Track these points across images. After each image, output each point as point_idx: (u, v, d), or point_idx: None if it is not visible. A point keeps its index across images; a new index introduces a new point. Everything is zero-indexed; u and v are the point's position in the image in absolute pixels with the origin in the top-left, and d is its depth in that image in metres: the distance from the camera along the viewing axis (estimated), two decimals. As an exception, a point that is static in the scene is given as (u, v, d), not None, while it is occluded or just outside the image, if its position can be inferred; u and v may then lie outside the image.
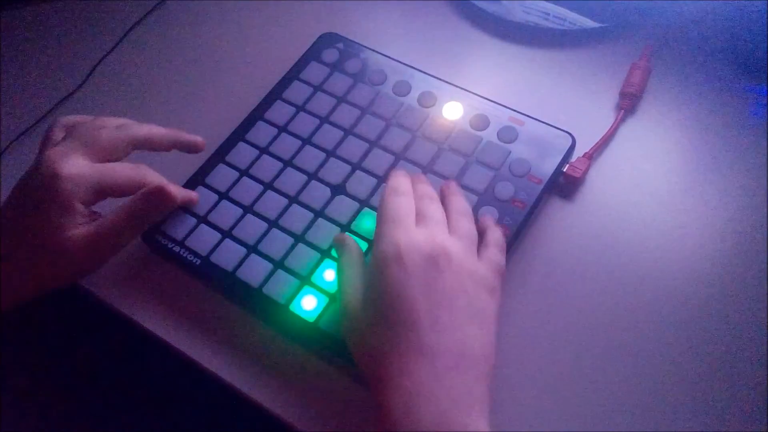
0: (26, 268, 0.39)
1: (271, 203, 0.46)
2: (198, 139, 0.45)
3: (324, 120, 0.49)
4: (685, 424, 0.38)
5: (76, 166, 0.39)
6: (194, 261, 0.44)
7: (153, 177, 0.42)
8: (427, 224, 0.37)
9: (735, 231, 0.44)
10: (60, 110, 0.55)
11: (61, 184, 0.38)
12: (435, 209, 0.38)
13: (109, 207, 0.41)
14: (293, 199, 0.46)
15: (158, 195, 0.41)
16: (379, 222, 0.37)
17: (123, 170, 0.40)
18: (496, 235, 0.40)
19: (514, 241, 0.43)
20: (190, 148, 0.45)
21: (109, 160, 0.41)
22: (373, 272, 0.35)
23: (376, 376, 0.33)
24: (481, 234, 0.40)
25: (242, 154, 0.48)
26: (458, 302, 0.34)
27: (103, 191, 0.40)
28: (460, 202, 0.40)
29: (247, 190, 0.46)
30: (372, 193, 0.45)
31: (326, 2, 0.58)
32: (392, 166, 0.46)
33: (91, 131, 0.41)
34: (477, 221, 0.41)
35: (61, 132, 0.42)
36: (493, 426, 0.38)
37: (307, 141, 0.48)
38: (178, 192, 0.43)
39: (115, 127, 0.42)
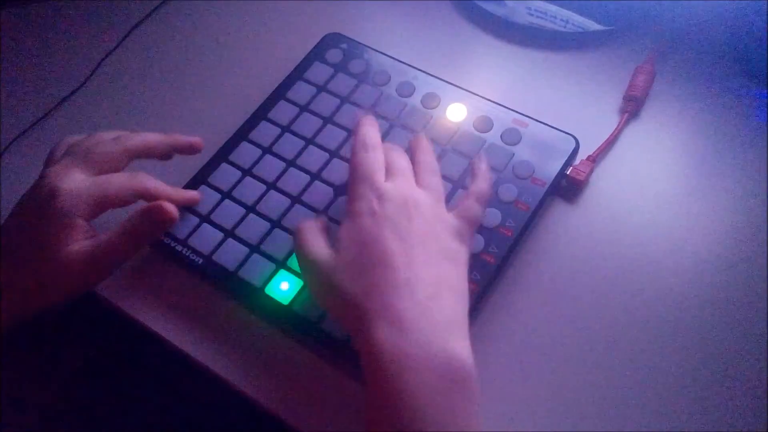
0: (27, 284, 0.39)
1: (274, 203, 0.45)
2: (195, 139, 0.45)
3: (327, 120, 0.49)
4: (686, 424, 0.38)
5: (74, 181, 0.39)
6: (196, 260, 0.44)
7: (150, 183, 0.42)
8: (396, 177, 0.38)
9: (738, 234, 0.44)
10: (62, 109, 0.55)
11: (61, 199, 0.38)
12: (402, 162, 0.40)
13: (114, 217, 0.41)
14: (296, 199, 0.46)
15: (156, 213, 0.40)
16: (351, 180, 0.38)
17: (120, 180, 0.41)
18: (478, 186, 0.40)
19: (516, 244, 0.43)
20: (188, 150, 0.45)
21: (107, 173, 0.41)
22: (348, 226, 0.37)
23: (356, 316, 0.34)
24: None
25: (245, 153, 0.48)
26: (429, 243, 0.36)
27: (102, 203, 0.40)
28: (427, 156, 0.41)
29: (250, 190, 0.46)
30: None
31: (330, 3, 0.58)
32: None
33: (88, 147, 0.41)
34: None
35: (62, 151, 0.42)
36: (493, 426, 0.38)
37: (310, 141, 0.48)
38: (179, 198, 0.44)
39: (112, 140, 0.42)
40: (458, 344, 0.33)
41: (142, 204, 0.41)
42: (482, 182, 0.41)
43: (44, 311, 0.40)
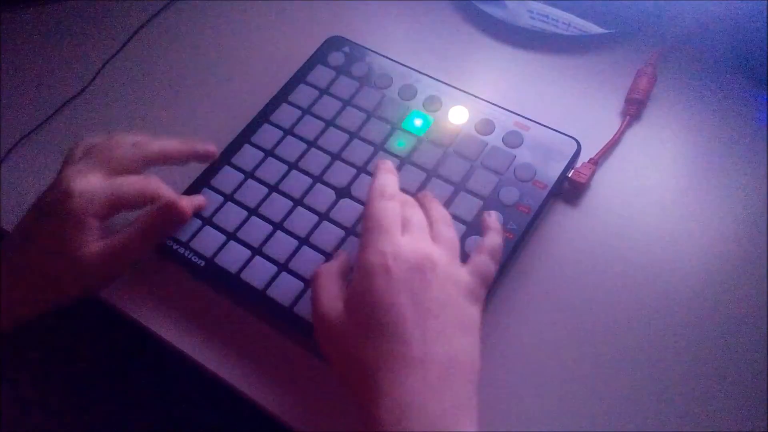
0: (41, 282, 0.39)
1: (276, 206, 0.46)
2: (211, 147, 0.46)
3: (330, 123, 0.49)
4: (686, 424, 0.38)
5: (89, 182, 0.40)
6: (199, 262, 0.44)
7: (163, 189, 0.42)
8: (412, 231, 0.37)
9: (740, 237, 0.44)
10: (66, 111, 0.55)
11: (75, 200, 0.39)
12: (418, 215, 0.38)
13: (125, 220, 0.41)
14: (298, 202, 0.46)
15: (169, 211, 0.42)
16: (366, 229, 0.37)
17: (134, 183, 0.41)
18: (491, 241, 0.39)
19: (518, 246, 0.43)
20: (205, 158, 0.46)
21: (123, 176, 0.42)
22: (358, 280, 0.35)
23: (364, 389, 0.33)
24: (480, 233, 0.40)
25: (248, 156, 0.48)
26: (445, 312, 0.34)
27: (115, 205, 0.40)
28: (439, 210, 0.40)
29: (252, 193, 0.46)
30: (377, 197, 0.45)
31: (333, 5, 0.59)
32: (397, 170, 0.46)
33: (107, 150, 0.42)
34: (479, 218, 0.41)
35: (80, 152, 0.43)
36: (495, 427, 0.38)
37: (312, 144, 0.48)
38: (189, 203, 0.44)
39: (131, 144, 0.43)
40: (465, 430, 0.32)
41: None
42: (495, 236, 0.40)
43: (59, 308, 0.41)
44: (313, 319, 0.37)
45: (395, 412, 0.31)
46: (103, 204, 0.40)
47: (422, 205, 0.40)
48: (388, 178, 0.40)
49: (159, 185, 0.42)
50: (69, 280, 0.40)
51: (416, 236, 0.37)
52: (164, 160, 0.44)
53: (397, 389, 0.32)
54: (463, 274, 0.37)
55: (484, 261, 0.38)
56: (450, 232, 0.38)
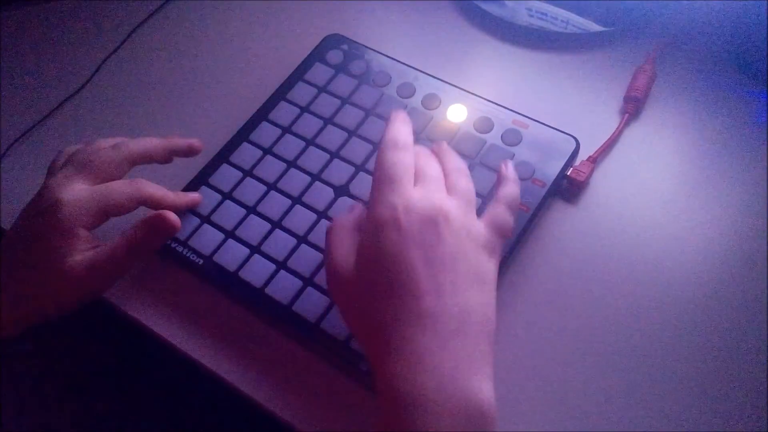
0: (29, 294, 0.39)
1: (275, 204, 0.45)
2: (193, 141, 0.45)
3: (328, 121, 0.49)
4: (686, 424, 0.38)
5: (75, 191, 0.39)
6: (197, 261, 0.44)
7: (150, 189, 0.42)
8: (425, 183, 0.35)
9: (739, 235, 0.44)
10: (63, 111, 0.55)
11: (62, 210, 0.38)
12: (433, 166, 0.37)
13: (115, 223, 0.41)
14: (296, 200, 0.46)
15: (158, 223, 0.40)
16: (376, 180, 0.35)
17: (119, 188, 0.40)
18: (507, 190, 0.38)
19: (517, 245, 0.43)
20: (188, 152, 0.45)
21: (108, 181, 0.41)
22: (368, 235, 0.34)
23: (375, 344, 0.33)
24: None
25: (246, 154, 0.48)
26: (458, 266, 0.33)
27: (103, 212, 0.40)
28: (456, 160, 0.39)
29: (251, 191, 0.46)
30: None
31: (331, 4, 0.58)
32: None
33: (88, 156, 0.41)
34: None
35: (62, 162, 0.42)
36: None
37: (310, 142, 0.48)
38: (182, 199, 0.44)
39: (111, 147, 0.42)
40: (480, 385, 0.31)
41: (146, 211, 0.41)
42: (511, 186, 0.38)
43: (47, 321, 0.40)
44: (326, 274, 0.36)
45: (408, 366, 0.31)
46: (90, 213, 0.39)
47: (438, 156, 0.39)
48: (401, 128, 0.37)
49: (146, 187, 0.42)
50: (58, 292, 0.39)
51: (430, 188, 0.35)
52: (146, 158, 0.43)
53: (409, 344, 0.31)
54: (478, 226, 0.35)
55: (501, 212, 0.37)
56: (466, 182, 0.37)
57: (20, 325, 0.39)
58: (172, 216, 0.40)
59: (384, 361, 0.32)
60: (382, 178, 0.35)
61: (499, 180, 0.39)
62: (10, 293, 0.39)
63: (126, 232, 0.40)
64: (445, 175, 0.37)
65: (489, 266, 0.35)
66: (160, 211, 0.40)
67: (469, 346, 0.32)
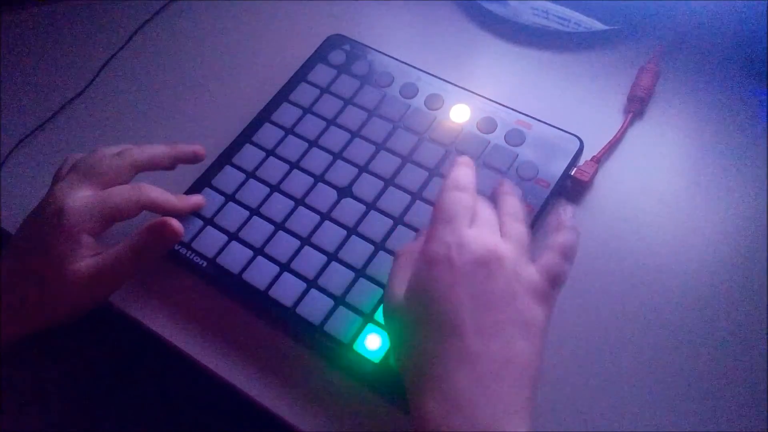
0: (33, 300, 0.39)
1: (278, 206, 0.45)
2: (197, 148, 0.45)
3: (331, 122, 0.49)
4: (686, 424, 0.38)
5: (79, 198, 0.40)
6: (200, 263, 0.44)
7: (154, 194, 0.42)
8: (480, 225, 0.35)
9: (744, 236, 0.44)
10: (65, 113, 0.55)
11: (67, 217, 0.39)
12: (488, 210, 0.37)
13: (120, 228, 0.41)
14: (300, 202, 0.45)
15: (161, 230, 0.40)
16: (434, 218, 0.36)
17: (122, 192, 0.41)
18: (565, 239, 0.37)
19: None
20: (192, 160, 0.45)
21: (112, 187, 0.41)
22: (420, 270, 0.34)
23: (415, 377, 0.33)
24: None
25: (249, 156, 0.48)
26: (506, 308, 0.33)
27: (107, 217, 0.40)
28: (514, 204, 0.38)
29: (254, 193, 0.46)
30: (378, 196, 0.45)
31: (333, 4, 0.58)
32: (399, 169, 0.46)
33: (92, 163, 0.42)
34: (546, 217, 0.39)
35: (66, 168, 0.43)
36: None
37: (313, 143, 0.48)
38: (184, 204, 0.44)
39: (116, 154, 0.42)
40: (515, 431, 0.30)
41: (150, 216, 0.41)
42: (569, 234, 0.37)
43: (50, 327, 0.40)
44: (383, 298, 0.37)
45: (443, 405, 0.30)
46: (95, 219, 0.39)
47: (496, 195, 0.39)
48: (466, 171, 0.38)
49: (150, 191, 0.42)
50: (61, 299, 0.39)
51: (484, 229, 0.35)
52: (151, 165, 0.43)
53: (447, 382, 0.31)
54: (531, 272, 0.35)
55: (556, 260, 0.36)
56: (520, 227, 0.37)
57: (23, 331, 0.39)
58: (175, 223, 0.40)
59: (421, 396, 0.31)
60: (439, 216, 0.35)
61: (558, 226, 0.38)
62: (15, 299, 0.39)
63: (130, 239, 0.40)
64: (500, 219, 0.37)
65: (538, 313, 0.34)
66: (164, 218, 0.40)
67: (508, 393, 0.31)
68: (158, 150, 0.44)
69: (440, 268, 0.33)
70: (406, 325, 0.34)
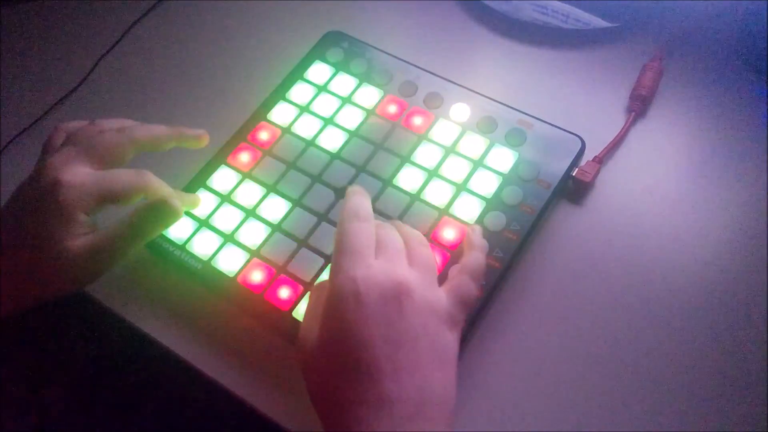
0: (24, 276, 0.38)
1: (274, 207, 0.45)
2: (201, 132, 0.44)
3: (328, 122, 0.48)
4: (686, 424, 0.38)
5: (77, 174, 0.38)
6: (196, 265, 0.43)
7: (156, 184, 0.41)
8: (386, 254, 0.35)
9: (748, 236, 0.43)
10: (60, 108, 0.54)
11: (63, 193, 0.37)
12: (393, 237, 0.36)
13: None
14: (296, 203, 0.45)
15: (161, 208, 0.39)
16: (337, 251, 0.35)
17: (125, 177, 0.39)
18: (472, 260, 0.37)
19: (522, 247, 0.42)
20: (195, 142, 0.44)
21: (111, 166, 0.40)
22: (330, 308, 0.33)
23: (330, 420, 0.32)
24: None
25: (245, 156, 0.47)
26: (418, 344, 0.32)
27: (104, 199, 0.38)
28: (413, 231, 0.38)
29: (250, 194, 0.45)
30: (377, 197, 0.44)
31: (331, 0, 0.57)
32: (398, 169, 0.45)
33: (92, 136, 0.40)
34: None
35: (61, 139, 0.41)
36: (498, 428, 0.38)
37: (310, 143, 0.47)
38: (182, 200, 0.42)
39: (116, 130, 0.41)
40: None
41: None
42: (477, 255, 0.37)
43: (44, 303, 0.39)
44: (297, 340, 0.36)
45: None
46: (91, 198, 0.38)
47: (397, 228, 0.38)
48: (362, 200, 0.37)
49: (151, 179, 0.40)
50: (54, 275, 0.38)
51: (391, 259, 0.34)
52: (153, 146, 0.42)
53: (364, 426, 0.30)
54: (440, 297, 0.35)
55: (465, 283, 0.36)
56: (425, 251, 0.36)
57: (15, 306, 0.38)
58: (175, 202, 0.39)
59: None
60: (343, 249, 0.34)
61: (466, 246, 0.38)
62: (5, 272, 0.38)
63: (125, 217, 0.39)
64: (406, 245, 0.36)
65: (450, 341, 0.34)
66: (164, 196, 0.39)
67: (426, 430, 0.31)
68: (160, 130, 0.42)
69: (349, 306, 0.32)
70: (320, 366, 0.33)
